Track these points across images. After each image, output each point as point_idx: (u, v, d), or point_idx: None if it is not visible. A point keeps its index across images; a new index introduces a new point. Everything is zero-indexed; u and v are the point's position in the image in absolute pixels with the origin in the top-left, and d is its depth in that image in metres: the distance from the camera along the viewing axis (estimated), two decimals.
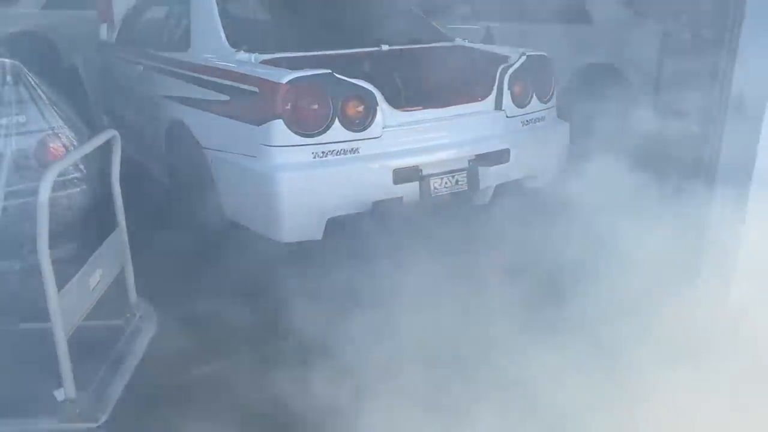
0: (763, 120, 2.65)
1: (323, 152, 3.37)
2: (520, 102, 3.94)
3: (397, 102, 3.59)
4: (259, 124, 3.37)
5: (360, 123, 3.43)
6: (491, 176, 3.83)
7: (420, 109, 3.63)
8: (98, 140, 2.62)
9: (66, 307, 2.30)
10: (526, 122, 4.00)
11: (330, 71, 3.36)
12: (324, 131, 3.36)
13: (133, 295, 2.97)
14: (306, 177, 3.34)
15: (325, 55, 3.89)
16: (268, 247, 3.52)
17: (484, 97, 3.85)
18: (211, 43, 3.99)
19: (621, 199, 3.07)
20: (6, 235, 2.84)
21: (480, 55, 4.30)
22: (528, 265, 3.15)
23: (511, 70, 3.89)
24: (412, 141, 3.59)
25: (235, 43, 3.88)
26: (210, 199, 3.76)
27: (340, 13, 4.43)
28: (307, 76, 3.34)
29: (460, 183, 3.75)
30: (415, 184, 3.58)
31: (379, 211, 3.48)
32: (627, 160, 3.19)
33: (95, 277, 2.56)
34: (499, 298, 2.98)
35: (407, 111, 3.59)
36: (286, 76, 3.31)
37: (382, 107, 3.49)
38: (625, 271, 2.80)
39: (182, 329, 3.05)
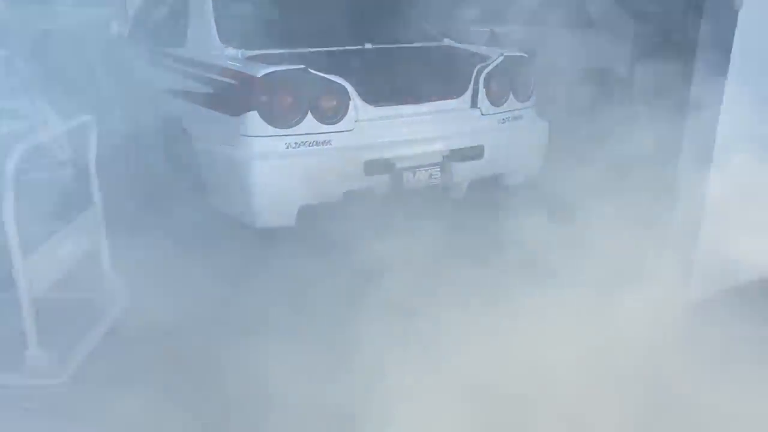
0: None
1: (296, 143, 3.56)
2: (495, 101, 4.07)
3: (372, 97, 3.74)
4: (237, 115, 3.58)
5: (332, 116, 3.62)
6: (465, 171, 3.96)
7: (393, 105, 3.79)
8: (72, 123, 2.84)
9: (32, 272, 2.52)
10: (502, 120, 4.12)
11: (304, 66, 3.55)
12: (297, 123, 3.56)
13: (107, 270, 3.17)
14: (278, 166, 3.53)
15: (310, 52, 4.07)
16: (246, 233, 3.71)
17: (459, 94, 3.98)
18: (204, 39, 4.22)
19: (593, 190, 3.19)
20: None
21: (462, 55, 4.43)
22: (491, 255, 3.26)
23: (487, 70, 4.02)
24: (386, 135, 3.75)
25: (226, 40, 4.09)
26: (197, 186, 3.98)
27: (331, 13, 4.60)
28: (281, 70, 3.53)
29: (433, 177, 3.89)
30: (388, 177, 3.74)
31: (350, 201, 3.64)
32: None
33: (66, 249, 2.77)
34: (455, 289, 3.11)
35: (381, 106, 3.75)
36: (261, 71, 3.51)
37: (355, 102, 3.66)
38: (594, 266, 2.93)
39: (154, 305, 3.22)
